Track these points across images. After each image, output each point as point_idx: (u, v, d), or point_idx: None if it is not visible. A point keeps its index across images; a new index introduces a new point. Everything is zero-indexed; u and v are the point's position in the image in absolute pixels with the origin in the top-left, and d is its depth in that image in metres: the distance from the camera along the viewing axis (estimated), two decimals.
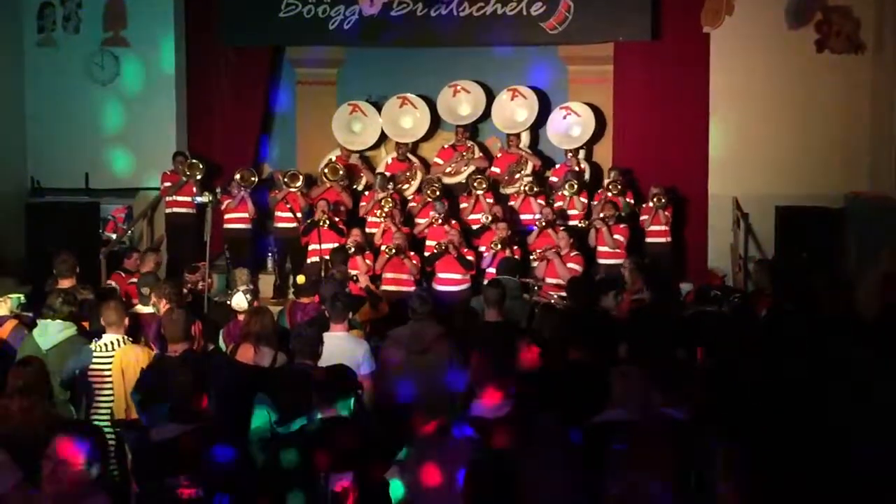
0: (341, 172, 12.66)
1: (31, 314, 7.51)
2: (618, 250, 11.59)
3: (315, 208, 12.17)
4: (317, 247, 11.75)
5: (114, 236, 13.10)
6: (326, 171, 12.62)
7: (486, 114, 13.50)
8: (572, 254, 11.04)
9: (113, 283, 10.10)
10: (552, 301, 9.57)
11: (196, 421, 4.94)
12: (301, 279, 9.33)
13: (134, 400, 6.16)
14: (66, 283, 8.12)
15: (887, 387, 4.94)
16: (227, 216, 12.51)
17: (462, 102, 13.52)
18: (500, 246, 11.12)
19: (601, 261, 11.73)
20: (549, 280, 10.81)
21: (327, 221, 11.71)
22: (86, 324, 7.27)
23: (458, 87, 13.49)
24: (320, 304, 8.60)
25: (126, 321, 6.89)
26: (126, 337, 6.71)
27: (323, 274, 10.49)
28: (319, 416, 4.91)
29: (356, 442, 4.67)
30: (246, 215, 12.55)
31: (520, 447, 4.11)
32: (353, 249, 11.03)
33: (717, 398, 4.91)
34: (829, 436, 4.38)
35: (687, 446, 4.08)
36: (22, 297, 7.60)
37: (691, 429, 4.38)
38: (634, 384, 4.93)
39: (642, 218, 12.21)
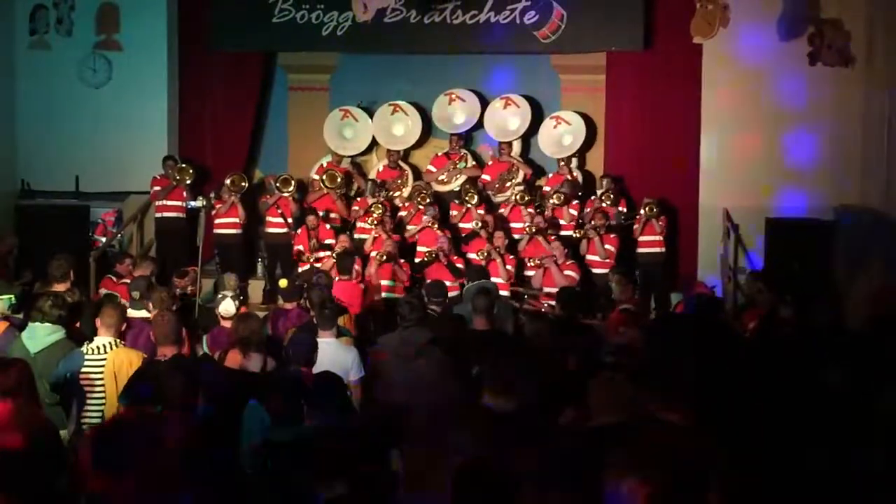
0: (339, 180, 12.67)
1: (20, 316, 7.46)
2: (608, 260, 11.59)
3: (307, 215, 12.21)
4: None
5: (103, 240, 13.06)
6: (325, 178, 12.64)
7: (479, 122, 13.51)
8: (568, 262, 11.08)
9: (104, 290, 10.06)
10: (542, 310, 9.60)
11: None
12: (283, 283, 9.30)
13: (122, 404, 6.13)
14: (59, 288, 8.05)
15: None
16: (217, 221, 12.47)
17: (457, 111, 13.53)
18: (488, 254, 11.20)
19: (592, 270, 11.73)
20: (546, 289, 10.84)
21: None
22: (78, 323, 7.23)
23: (454, 96, 13.51)
24: (304, 310, 8.62)
25: (123, 326, 6.85)
26: (118, 340, 6.68)
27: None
28: (310, 422, 4.91)
29: (347, 448, 4.66)
30: (236, 220, 12.51)
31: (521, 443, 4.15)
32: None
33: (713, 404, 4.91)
34: (823, 442, 4.40)
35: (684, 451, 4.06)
36: (13, 298, 7.55)
37: (689, 433, 4.38)
38: (621, 390, 4.94)
39: (634, 228, 12.21)
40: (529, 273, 11.57)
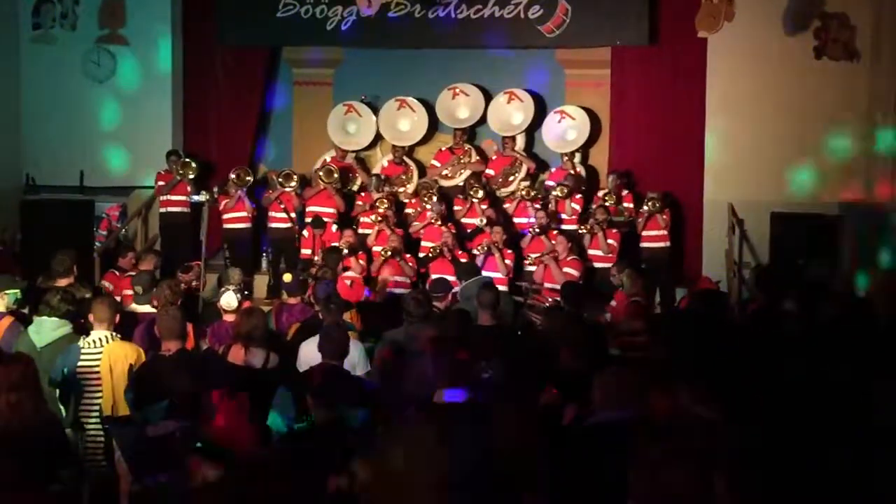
0: (336, 175, 12.64)
1: (25, 311, 7.47)
2: (610, 255, 11.58)
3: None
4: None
5: (108, 234, 13.06)
6: (321, 173, 12.61)
7: (483, 116, 13.49)
8: (570, 258, 11.05)
9: (107, 283, 10.08)
10: (547, 304, 9.58)
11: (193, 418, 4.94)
12: (287, 277, 9.27)
13: (127, 399, 6.14)
14: (62, 283, 8.06)
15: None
16: (225, 216, 12.46)
17: (461, 105, 13.50)
18: (487, 249, 11.17)
19: (594, 264, 11.70)
20: (546, 285, 10.82)
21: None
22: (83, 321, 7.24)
23: (457, 90, 13.48)
24: (308, 305, 8.60)
25: (116, 319, 6.84)
26: (114, 334, 6.67)
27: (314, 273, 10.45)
28: (314, 417, 4.91)
29: (350, 444, 4.66)
30: (245, 214, 12.50)
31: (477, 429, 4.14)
32: (346, 251, 11.04)
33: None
34: (823, 439, 4.39)
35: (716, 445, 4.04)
36: (18, 293, 7.57)
37: (721, 427, 4.36)
38: (629, 384, 4.92)
39: (637, 222, 12.20)
40: (529, 269, 11.54)
